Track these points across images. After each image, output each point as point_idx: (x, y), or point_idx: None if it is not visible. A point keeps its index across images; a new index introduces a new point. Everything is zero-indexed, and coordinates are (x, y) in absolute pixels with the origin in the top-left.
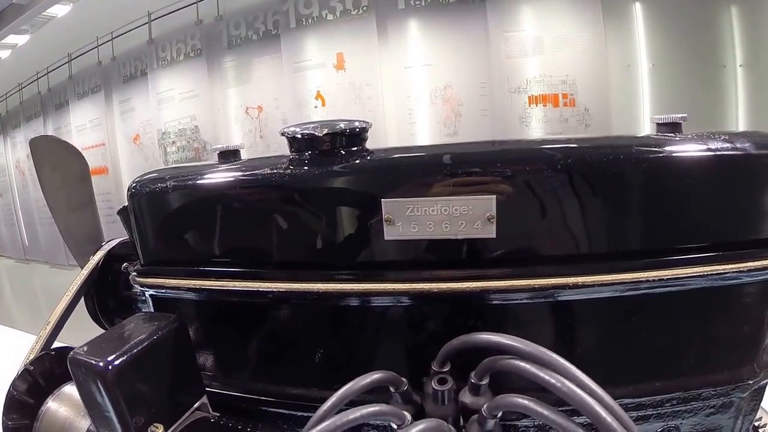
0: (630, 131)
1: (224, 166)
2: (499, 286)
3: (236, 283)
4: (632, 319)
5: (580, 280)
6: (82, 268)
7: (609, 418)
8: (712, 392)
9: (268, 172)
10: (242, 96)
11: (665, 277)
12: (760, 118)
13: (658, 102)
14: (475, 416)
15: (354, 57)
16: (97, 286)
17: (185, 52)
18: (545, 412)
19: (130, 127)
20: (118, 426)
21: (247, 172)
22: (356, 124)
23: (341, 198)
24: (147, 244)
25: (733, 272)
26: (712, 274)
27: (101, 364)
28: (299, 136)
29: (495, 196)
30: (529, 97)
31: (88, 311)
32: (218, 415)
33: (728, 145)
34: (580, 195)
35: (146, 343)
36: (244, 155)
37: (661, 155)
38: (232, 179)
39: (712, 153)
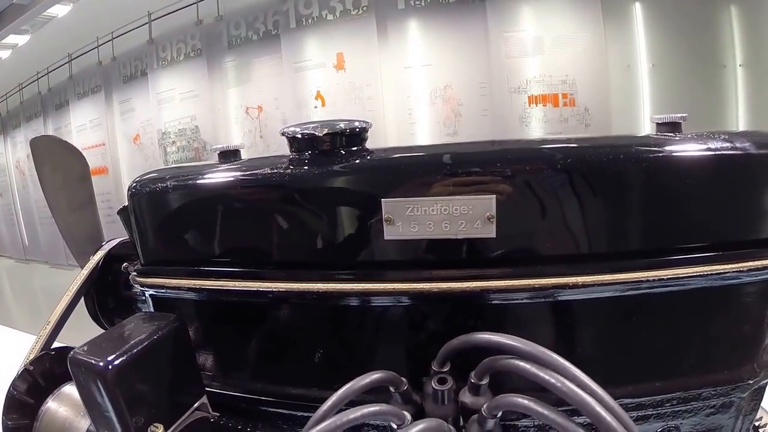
0: (630, 131)
1: (224, 166)
2: (499, 286)
3: (236, 283)
4: (632, 319)
5: (580, 280)
6: (82, 268)
7: (609, 418)
8: (712, 392)
9: (269, 172)
10: (242, 96)
11: (665, 277)
12: (760, 118)
13: (658, 102)
14: (475, 416)
15: (354, 57)
16: (97, 286)
17: (185, 52)
18: (545, 412)
19: (130, 127)
20: (117, 426)
21: (248, 172)
22: (356, 124)
23: (341, 198)
24: (147, 243)
25: (733, 272)
26: (712, 274)
27: (101, 364)
28: (299, 136)
29: (495, 195)
30: (529, 97)
31: (88, 311)
32: (218, 415)
33: (728, 144)
34: (580, 195)
35: (146, 343)
36: (244, 155)
37: (661, 155)
38: (233, 179)
39: (712, 153)
